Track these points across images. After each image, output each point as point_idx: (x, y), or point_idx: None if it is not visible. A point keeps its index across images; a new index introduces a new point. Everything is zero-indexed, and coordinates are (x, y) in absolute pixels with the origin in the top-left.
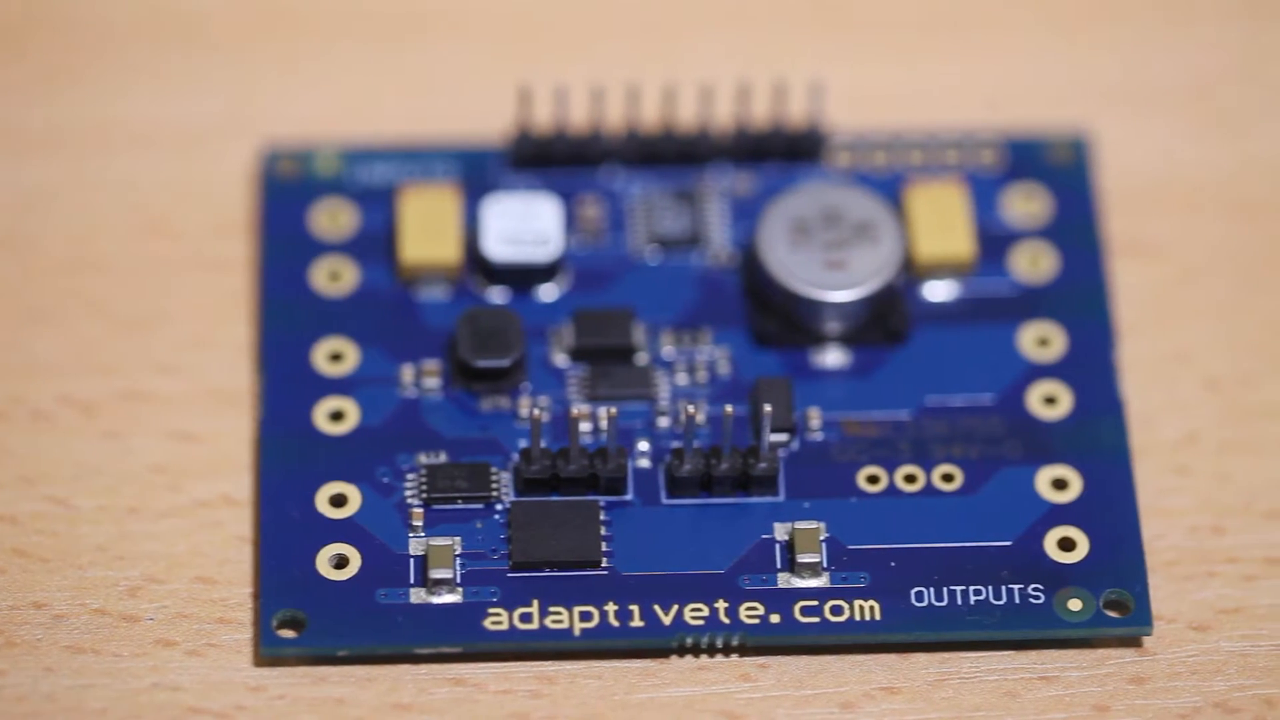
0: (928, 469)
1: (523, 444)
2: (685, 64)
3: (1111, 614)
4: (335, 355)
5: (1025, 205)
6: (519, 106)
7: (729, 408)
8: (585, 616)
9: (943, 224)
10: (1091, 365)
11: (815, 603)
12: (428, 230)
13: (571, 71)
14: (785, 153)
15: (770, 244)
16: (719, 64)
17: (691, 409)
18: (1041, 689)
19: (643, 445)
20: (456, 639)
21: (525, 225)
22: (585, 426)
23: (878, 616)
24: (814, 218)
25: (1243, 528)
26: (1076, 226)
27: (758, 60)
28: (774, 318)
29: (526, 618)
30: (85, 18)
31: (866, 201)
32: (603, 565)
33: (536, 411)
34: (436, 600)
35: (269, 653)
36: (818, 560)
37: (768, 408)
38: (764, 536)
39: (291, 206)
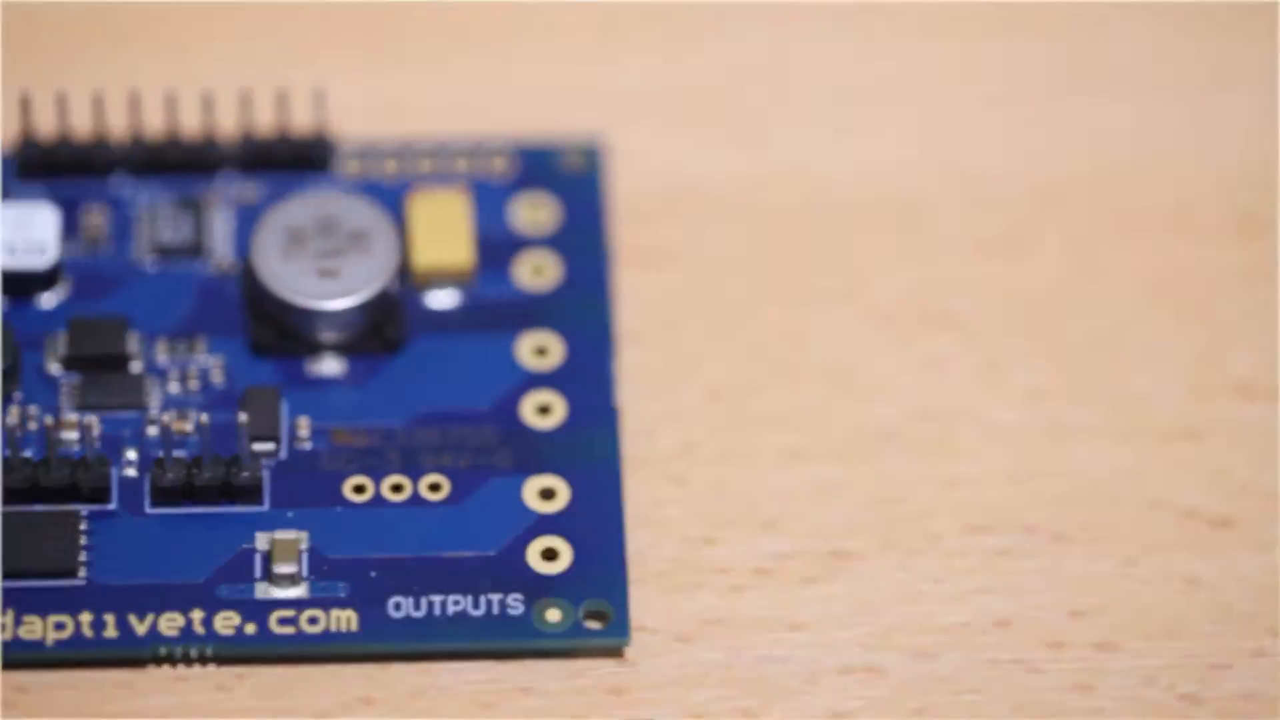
0: (415, 478)
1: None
2: (189, 71)
3: (592, 625)
4: None
5: (532, 213)
6: (20, 114)
7: (204, 416)
8: (59, 626)
9: (443, 232)
10: (589, 374)
11: (292, 613)
12: None
13: (72, 78)
14: (293, 161)
15: (263, 253)
16: (228, 73)
17: (166, 418)
18: (519, 700)
19: (131, 454)
20: None
21: (21, 234)
22: (73, 435)
23: (354, 627)
24: (309, 227)
25: (735, 538)
26: (584, 235)
27: (265, 69)
28: (270, 327)
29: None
30: None
31: (363, 210)
32: (80, 575)
33: (14, 420)
34: None
35: None
36: (295, 570)
37: (244, 417)
38: (245, 546)
39: None
